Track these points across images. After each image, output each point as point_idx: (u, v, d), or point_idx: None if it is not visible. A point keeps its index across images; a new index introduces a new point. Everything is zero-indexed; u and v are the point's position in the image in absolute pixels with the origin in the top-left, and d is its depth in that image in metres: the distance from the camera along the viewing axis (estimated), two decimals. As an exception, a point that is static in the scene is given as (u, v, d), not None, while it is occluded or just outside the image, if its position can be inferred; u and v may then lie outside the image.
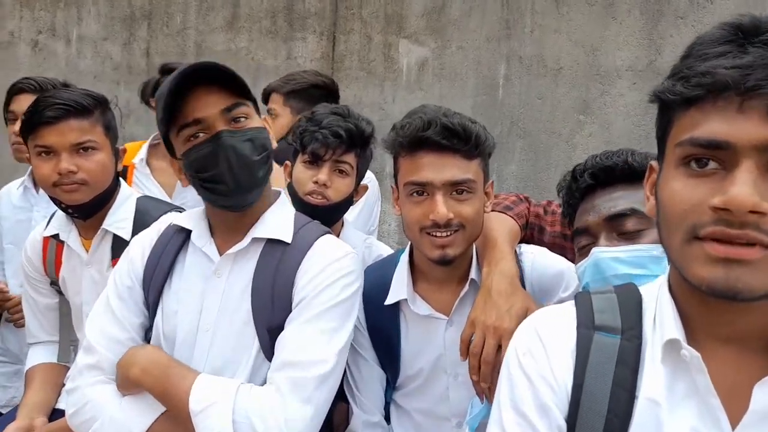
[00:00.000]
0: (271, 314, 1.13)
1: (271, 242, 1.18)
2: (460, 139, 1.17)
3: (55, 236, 1.57)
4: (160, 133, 1.19)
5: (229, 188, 1.11)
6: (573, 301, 0.82)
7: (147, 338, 1.23)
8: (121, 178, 1.60)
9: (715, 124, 0.62)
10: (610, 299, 0.78)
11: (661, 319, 0.73)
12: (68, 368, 1.61)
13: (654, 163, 0.75)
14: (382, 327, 1.32)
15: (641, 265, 1.03)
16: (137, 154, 2.23)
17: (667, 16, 2.74)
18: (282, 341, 1.12)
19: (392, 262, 1.37)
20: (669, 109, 0.68)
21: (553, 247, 1.35)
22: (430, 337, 1.29)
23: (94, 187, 1.47)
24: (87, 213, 1.51)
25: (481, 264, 1.25)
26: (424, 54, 3.16)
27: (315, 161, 1.48)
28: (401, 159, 1.24)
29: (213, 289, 1.17)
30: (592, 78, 2.83)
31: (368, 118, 1.58)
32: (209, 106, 1.10)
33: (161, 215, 1.43)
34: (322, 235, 1.21)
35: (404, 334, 1.31)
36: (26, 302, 1.66)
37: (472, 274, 1.26)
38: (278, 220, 1.20)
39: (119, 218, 1.52)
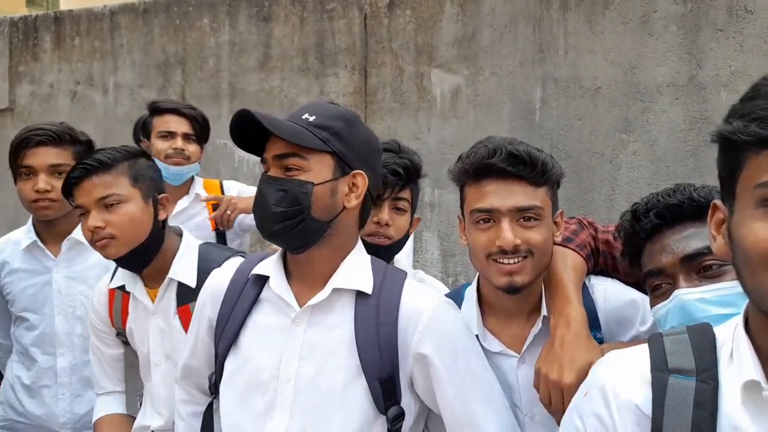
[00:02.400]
0: (380, 367, 1.13)
1: (359, 293, 1.18)
2: (525, 166, 1.16)
3: (121, 287, 1.59)
4: None
5: (259, 227, 1.19)
6: (647, 344, 0.81)
7: (212, 384, 1.25)
8: (183, 228, 1.62)
9: None
10: (683, 340, 0.78)
11: (738, 359, 0.72)
12: (134, 419, 1.61)
13: (718, 203, 0.75)
14: None
15: (731, 303, 0.99)
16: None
17: (705, 29, 2.69)
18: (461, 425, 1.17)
19: (458, 296, 1.33)
20: (738, 149, 0.68)
21: (628, 277, 1.30)
22: (501, 374, 1.24)
23: (125, 240, 1.47)
24: (132, 265, 1.53)
25: (547, 303, 1.23)
26: (456, 82, 3.16)
27: (373, 201, 1.43)
28: (467, 188, 1.23)
29: (292, 338, 1.17)
30: (631, 96, 2.78)
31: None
32: (270, 150, 1.17)
33: (224, 261, 1.43)
34: (404, 280, 1.21)
35: None
36: (93, 353, 1.67)
37: (544, 311, 1.23)
38: (357, 268, 1.20)
39: (183, 266, 1.53)
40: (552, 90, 2.94)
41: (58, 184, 1.76)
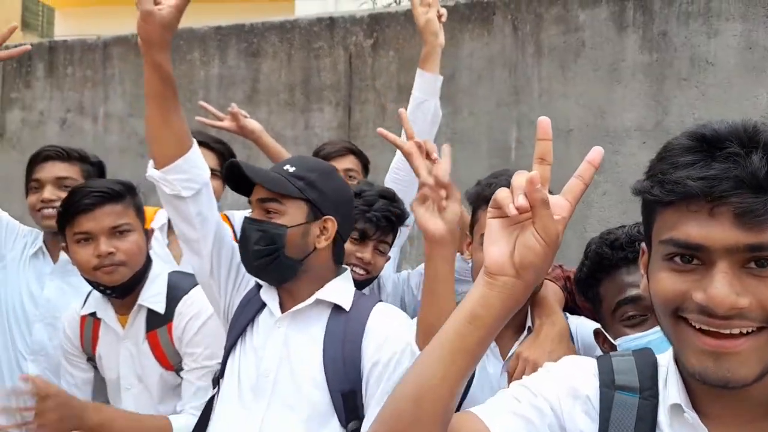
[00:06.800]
0: (344, 380, 1.25)
1: (334, 309, 1.31)
2: None
3: (92, 314, 1.64)
4: None
5: (243, 263, 1.34)
6: (595, 361, 0.88)
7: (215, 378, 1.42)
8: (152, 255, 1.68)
9: (690, 228, 0.70)
10: (629, 361, 0.86)
11: (668, 384, 0.81)
12: None
13: (644, 246, 0.83)
14: None
15: None
16: (156, 219, 2.23)
17: (670, 78, 2.85)
18: None
19: None
20: (649, 204, 0.77)
21: (584, 309, 1.45)
22: (487, 379, 1.38)
23: (131, 266, 1.55)
24: (125, 292, 1.58)
25: (532, 317, 1.39)
26: (436, 120, 3.28)
27: (361, 239, 1.62)
28: (481, 212, 1.38)
29: (273, 339, 1.32)
30: (602, 139, 2.92)
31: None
32: (255, 194, 1.34)
33: (191, 288, 1.54)
34: (376, 304, 1.36)
35: None
36: (64, 379, 1.70)
37: (529, 323, 1.39)
38: (341, 289, 1.35)
39: (153, 293, 1.60)
40: (527, 131, 3.07)
41: (64, 195, 1.82)
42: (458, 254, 1.73)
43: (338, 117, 3.49)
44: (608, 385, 0.83)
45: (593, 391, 0.82)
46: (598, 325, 1.37)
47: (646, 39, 2.90)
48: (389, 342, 1.26)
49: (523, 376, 0.88)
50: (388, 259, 1.74)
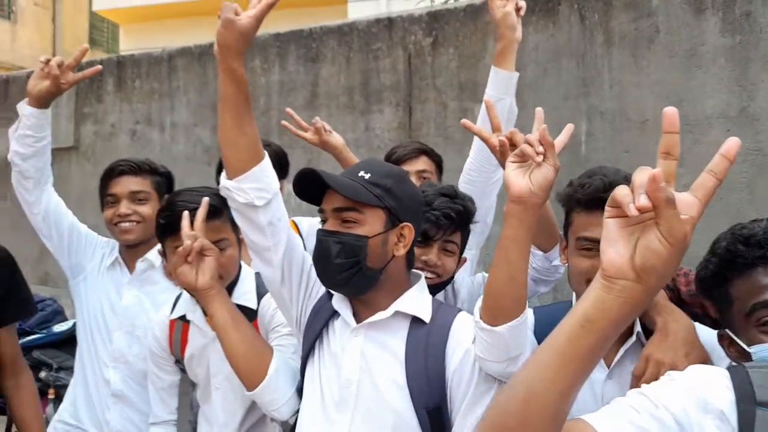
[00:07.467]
0: (428, 396, 1.20)
1: (414, 321, 1.27)
2: None
3: (182, 317, 1.66)
4: None
5: (320, 277, 1.29)
6: (727, 372, 0.80)
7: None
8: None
9: None
10: None
11: None
12: None
13: None
14: None
15: None
16: None
17: (755, 61, 2.65)
18: None
19: (563, 309, 1.39)
20: None
21: (693, 305, 1.36)
22: (590, 387, 1.30)
23: (227, 278, 1.56)
24: None
25: (643, 318, 1.29)
26: (500, 117, 3.18)
27: (424, 241, 1.54)
28: (575, 214, 1.31)
29: (351, 348, 1.28)
30: (681, 128, 2.72)
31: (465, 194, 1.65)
32: (329, 203, 1.28)
33: None
34: (458, 313, 1.30)
35: None
36: (151, 381, 1.74)
37: (638, 327, 1.30)
38: (419, 299, 1.30)
39: (244, 291, 1.62)
40: (598, 123, 2.93)
41: (139, 208, 1.91)
42: (542, 254, 1.64)
43: (398, 117, 3.44)
44: (747, 400, 0.76)
45: (728, 406, 0.75)
46: (711, 331, 1.28)
47: (727, 21, 2.70)
48: (472, 353, 1.22)
49: (643, 384, 0.80)
50: (463, 261, 1.65)
